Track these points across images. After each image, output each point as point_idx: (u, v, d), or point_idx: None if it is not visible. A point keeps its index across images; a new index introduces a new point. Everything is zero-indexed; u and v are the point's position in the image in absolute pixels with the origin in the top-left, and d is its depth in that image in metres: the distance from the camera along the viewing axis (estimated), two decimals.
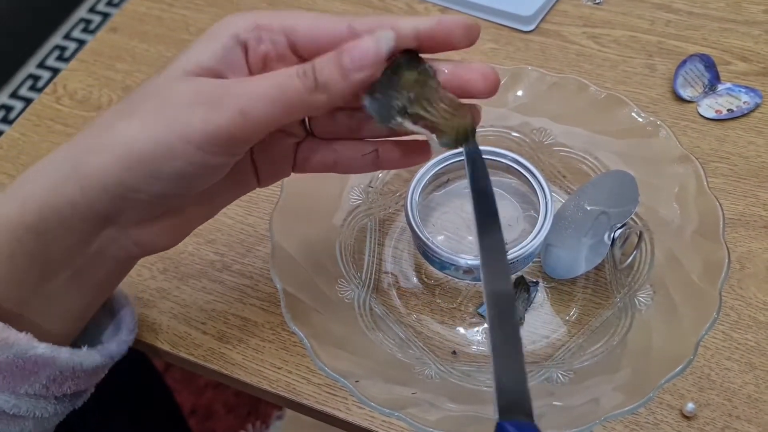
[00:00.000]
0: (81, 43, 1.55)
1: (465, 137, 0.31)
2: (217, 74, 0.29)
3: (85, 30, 1.57)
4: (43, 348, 0.31)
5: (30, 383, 0.31)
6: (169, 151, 0.28)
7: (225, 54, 0.29)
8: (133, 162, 0.28)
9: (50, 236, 0.30)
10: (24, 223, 0.29)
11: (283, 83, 0.27)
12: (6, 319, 0.30)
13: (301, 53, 0.30)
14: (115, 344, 0.37)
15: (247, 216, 0.48)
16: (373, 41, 0.27)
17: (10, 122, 1.42)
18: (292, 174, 0.43)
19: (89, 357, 0.34)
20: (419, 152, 0.34)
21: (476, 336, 0.41)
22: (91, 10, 1.61)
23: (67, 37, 1.57)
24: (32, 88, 1.49)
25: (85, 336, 0.36)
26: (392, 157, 0.34)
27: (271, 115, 0.28)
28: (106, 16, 1.59)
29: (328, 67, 0.27)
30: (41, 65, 1.53)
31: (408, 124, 0.30)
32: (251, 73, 0.30)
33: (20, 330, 0.30)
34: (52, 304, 0.32)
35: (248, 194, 0.47)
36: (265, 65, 0.30)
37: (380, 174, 0.46)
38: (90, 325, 0.37)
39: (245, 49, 0.29)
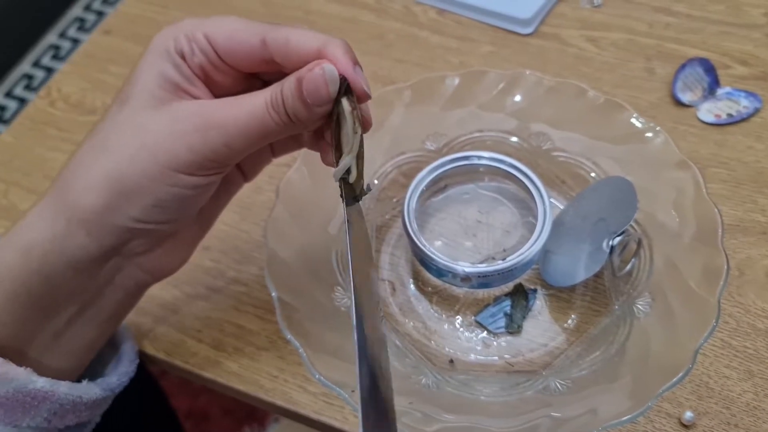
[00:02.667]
0: (76, 42, 1.54)
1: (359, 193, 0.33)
2: (179, 89, 0.30)
3: (80, 29, 1.57)
4: (42, 382, 0.31)
5: (31, 417, 0.32)
6: (162, 181, 0.29)
7: (177, 70, 0.30)
8: (132, 195, 0.29)
9: (57, 278, 0.30)
10: (29, 269, 0.29)
11: (261, 117, 0.29)
12: (9, 354, 0.30)
13: (229, 63, 0.31)
14: (115, 377, 0.37)
15: (242, 222, 0.47)
16: (322, 79, 0.28)
17: (5, 122, 1.41)
18: (288, 180, 0.42)
19: (89, 390, 0.34)
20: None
21: (474, 345, 0.41)
22: (87, 8, 1.60)
23: (62, 35, 1.56)
24: (27, 87, 1.48)
25: (87, 368, 0.36)
26: (310, 141, 0.35)
27: (254, 144, 0.29)
28: (100, 14, 1.58)
29: (293, 100, 0.29)
30: (36, 64, 1.52)
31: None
32: (199, 79, 0.31)
33: (22, 365, 0.31)
34: (58, 340, 0.32)
35: (243, 201, 0.47)
36: (205, 74, 0.31)
37: (377, 180, 0.46)
38: (93, 358, 0.37)
39: (183, 57, 0.30)
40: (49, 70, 1.50)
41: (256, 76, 0.33)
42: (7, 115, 1.43)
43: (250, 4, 0.61)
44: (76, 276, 0.30)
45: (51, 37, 1.56)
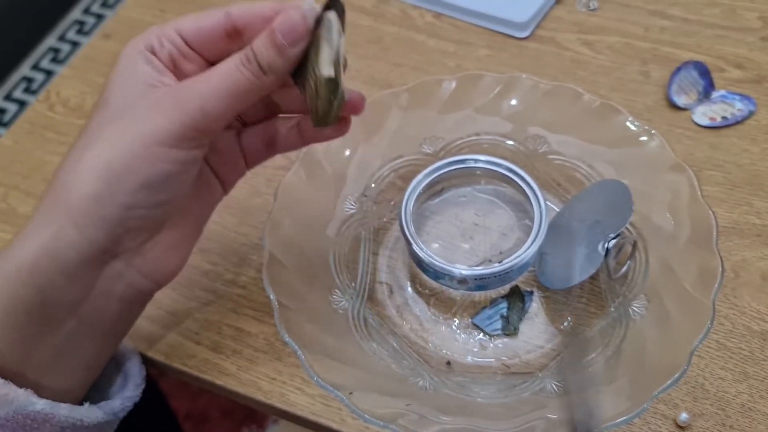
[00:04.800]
0: (75, 45, 1.55)
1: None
2: (153, 82, 0.31)
3: (79, 32, 1.57)
4: (42, 404, 0.31)
5: None
6: (147, 158, 0.29)
7: (149, 64, 0.31)
8: (120, 179, 0.29)
9: (51, 288, 0.30)
10: (22, 281, 0.29)
11: (233, 76, 0.30)
12: (8, 374, 0.30)
13: (195, 48, 0.32)
14: (119, 401, 0.36)
15: (240, 225, 0.48)
16: (298, 13, 0.29)
17: (5, 125, 1.41)
18: (286, 183, 0.43)
19: (90, 413, 0.33)
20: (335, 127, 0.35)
21: (471, 347, 0.41)
22: (86, 11, 1.60)
23: (61, 38, 1.56)
24: (26, 90, 1.48)
25: (92, 389, 0.36)
26: (310, 131, 0.36)
27: (229, 106, 0.30)
28: (100, 17, 1.58)
29: (266, 49, 0.30)
30: (35, 67, 1.52)
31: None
32: (169, 69, 0.32)
33: (22, 386, 0.30)
34: (58, 357, 0.32)
35: (241, 203, 0.47)
36: (174, 65, 0.32)
37: (374, 183, 0.46)
38: (98, 378, 0.36)
39: (154, 52, 0.32)
40: (49, 73, 1.50)
41: None
42: (7, 118, 1.43)
43: None
44: (70, 284, 0.30)
45: (50, 40, 1.56)
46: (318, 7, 0.30)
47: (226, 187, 0.37)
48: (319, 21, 0.30)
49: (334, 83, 0.31)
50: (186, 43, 0.32)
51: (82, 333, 0.32)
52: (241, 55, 0.30)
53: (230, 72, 0.30)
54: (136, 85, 0.31)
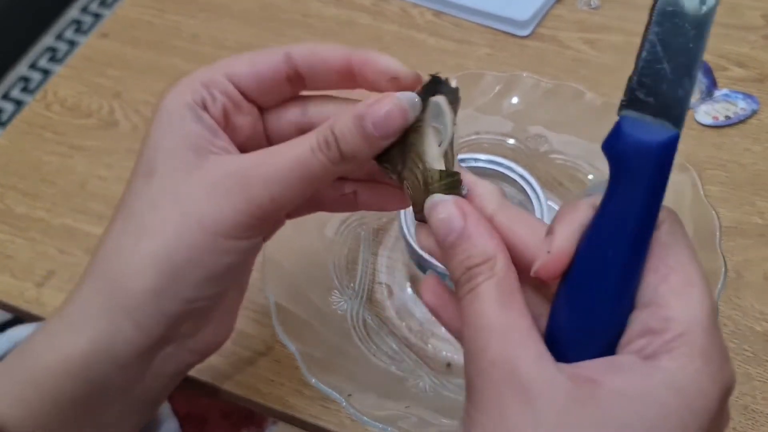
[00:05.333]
0: (73, 44, 1.54)
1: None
2: (205, 145, 0.28)
3: (77, 31, 1.56)
4: None
5: None
6: (212, 251, 0.27)
7: (200, 123, 0.28)
8: (184, 273, 0.27)
9: (101, 381, 0.28)
10: (69, 374, 0.27)
11: (307, 160, 0.26)
12: None
13: (251, 98, 0.29)
14: None
15: None
16: (398, 107, 0.26)
17: (2, 124, 1.41)
18: None
19: None
20: (397, 199, 0.32)
21: None
22: (84, 10, 1.60)
23: (59, 38, 1.56)
24: (24, 89, 1.48)
25: None
26: (369, 201, 0.33)
27: (301, 192, 0.27)
28: (97, 16, 1.58)
29: (351, 135, 0.26)
30: (33, 66, 1.52)
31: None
32: (222, 127, 0.29)
33: None
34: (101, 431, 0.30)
35: None
36: (226, 119, 0.29)
37: None
38: None
39: (205, 107, 0.28)
40: (46, 73, 1.50)
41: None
42: (4, 117, 1.43)
43: (248, 7, 0.60)
44: (122, 373, 0.28)
45: (48, 39, 1.56)
46: (417, 99, 0.27)
47: (266, 238, 0.34)
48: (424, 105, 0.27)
49: (454, 180, 0.26)
50: (240, 91, 0.29)
51: (128, 410, 0.30)
52: (318, 137, 0.26)
53: (304, 156, 0.26)
54: (187, 150, 0.27)
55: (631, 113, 0.22)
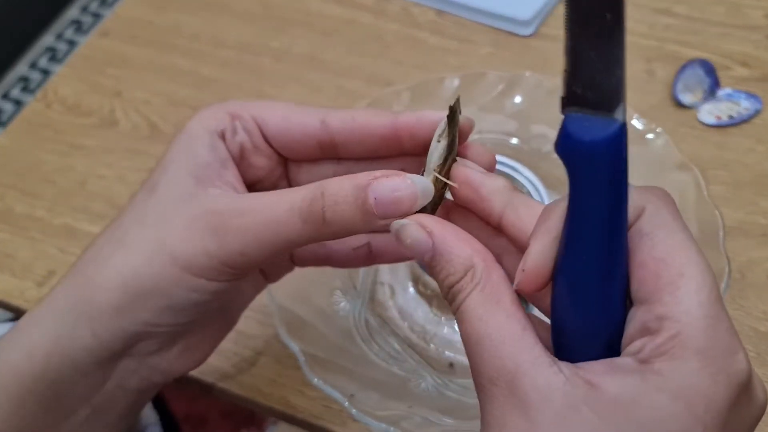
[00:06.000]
0: (72, 44, 1.54)
1: None
2: (209, 174, 0.28)
3: (77, 30, 1.56)
4: None
5: None
6: (178, 284, 0.26)
7: (212, 152, 0.28)
8: (146, 297, 0.27)
9: (63, 383, 0.28)
10: (33, 373, 0.27)
11: (282, 221, 0.25)
12: None
13: (274, 148, 0.29)
14: None
15: None
16: (410, 192, 0.24)
17: (2, 123, 1.41)
18: None
19: None
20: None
21: None
22: (84, 10, 1.60)
23: (59, 37, 1.56)
24: (24, 89, 1.48)
25: None
26: (386, 252, 0.31)
27: (272, 253, 0.26)
28: (97, 16, 1.58)
29: (345, 204, 0.24)
30: (33, 66, 1.52)
31: None
32: (234, 161, 0.29)
33: None
34: None
35: None
36: (242, 155, 0.29)
37: None
38: None
39: (223, 137, 0.28)
40: (46, 72, 1.49)
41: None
42: (4, 117, 1.43)
43: (248, 6, 0.60)
44: (81, 379, 0.28)
45: (48, 39, 1.56)
46: (431, 187, 0.25)
47: (270, 278, 0.34)
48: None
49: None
50: (265, 138, 0.29)
51: (96, 420, 0.30)
52: (305, 195, 0.25)
53: (280, 215, 0.25)
54: (189, 176, 0.27)
55: (573, 110, 0.21)
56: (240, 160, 0.29)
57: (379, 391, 0.36)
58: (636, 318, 0.22)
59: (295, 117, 0.28)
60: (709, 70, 0.51)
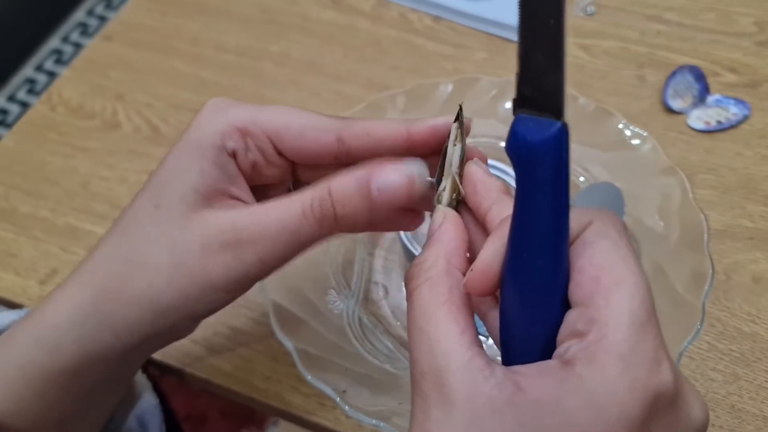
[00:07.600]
0: (78, 46, 1.55)
1: None
2: (217, 190, 0.28)
3: (83, 33, 1.58)
4: None
5: None
6: (199, 301, 0.28)
7: (220, 169, 0.28)
8: (167, 314, 0.28)
9: (90, 373, 0.29)
10: (57, 369, 0.28)
11: (296, 224, 0.26)
12: None
13: (287, 157, 0.29)
14: None
15: None
16: (406, 178, 0.26)
17: (8, 125, 1.42)
18: None
19: None
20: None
21: None
22: (89, 13, 1.61)
23: (65, 40, 1.57)
24: (30, 91, 1.49)
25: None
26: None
27: (289, 255, 0.27)
28: (103, 19, 1.59)
29: (352, 200, 0.26)
30: (39, 68, 1.53)
31: None
32: (244, 176, 0.29)
33: None
34: (93, 421, 0.32)
35: None
36: (254, 171, 0.29)
37: None
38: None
39: (234, 155, 0.28)
40: (52, 75, 1.51)
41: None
42: (10, 119, 1.44)
43: (248, 11, 0.61)
44: (106, 368, 0.30)
45: (54, 42, 1.57)
46: (427, 177, 0.27)
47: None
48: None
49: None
50: (277, 150, 0.29)
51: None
52: (313, 198, 0.26)
53: (293, 219, 0.26)
54: (195, 192, 0.27)
55: (524, 111, 0.21)
56: (251, 174, 0.29)
57: (370, 387, 0.37)
58: (569, 320, 0.22)
59: (311, 134, 0.28)
60: (699, 76, 0.52)
